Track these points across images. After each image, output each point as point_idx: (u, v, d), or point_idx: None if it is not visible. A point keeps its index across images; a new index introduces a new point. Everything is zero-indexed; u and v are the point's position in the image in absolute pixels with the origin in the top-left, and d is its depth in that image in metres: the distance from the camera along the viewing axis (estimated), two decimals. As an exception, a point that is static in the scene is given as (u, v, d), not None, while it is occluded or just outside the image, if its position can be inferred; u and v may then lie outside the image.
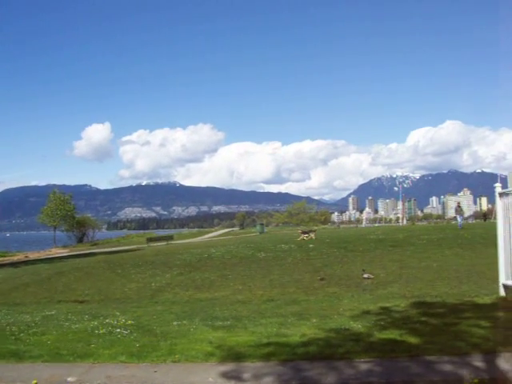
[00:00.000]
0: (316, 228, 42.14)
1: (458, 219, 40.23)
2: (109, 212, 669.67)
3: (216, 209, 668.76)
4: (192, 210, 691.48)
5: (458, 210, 42.18)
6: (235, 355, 6.92)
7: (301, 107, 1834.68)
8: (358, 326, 8.56)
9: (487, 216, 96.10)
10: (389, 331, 8.11)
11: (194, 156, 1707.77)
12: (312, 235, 34.94)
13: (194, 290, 16.31)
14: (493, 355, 6.58)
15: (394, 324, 8.71)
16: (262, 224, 77.24)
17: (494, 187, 12.15)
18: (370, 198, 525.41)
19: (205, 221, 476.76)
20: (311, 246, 28.27)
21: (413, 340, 7.47)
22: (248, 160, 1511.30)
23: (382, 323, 8.78)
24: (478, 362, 6.39)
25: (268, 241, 35.81)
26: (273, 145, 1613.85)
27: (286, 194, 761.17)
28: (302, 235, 35.34)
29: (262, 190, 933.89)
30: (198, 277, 19.30)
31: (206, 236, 77.94)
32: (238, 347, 7.36)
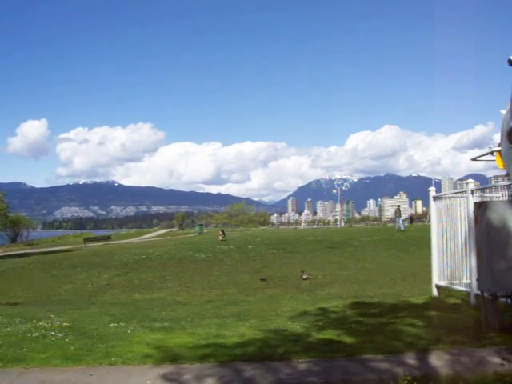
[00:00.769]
0: (224, 230, 43.73)
1: (398, 222, 41.21)
2: (44, 211, 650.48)
3: (155, 209, 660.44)
4: (131, 210, 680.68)
5: (398, 212, 43.21)
6: (173, 357, 6.84)
7: (242, 108, 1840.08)
8: (296, 327, 8.63)
9: (413, 219, 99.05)
10: (327, 331, 8.21)
11: (133, 155, 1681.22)
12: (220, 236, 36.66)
13: (131, 291, 16.08)
14: (425, 353, 6.78)
15: (332, 324, 8.83)
16: (201, 225, 76.70)
17: (429, 191, 12.52)
18: (309, 199, 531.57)
19: (143, 221, 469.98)
20: (250, 247, 28.33)
21: (350, 340, 7.60)
22: (188, 160, 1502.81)
23: (321, 324, 8.89)
24: (411, 359, 6.56)
25: (207, 242, 35.67)
26: (213, 145, 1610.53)
27: (226, 194, 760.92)
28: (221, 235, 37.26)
29: (201, 191, 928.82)
30: (136, 278, 19.04)
31: (145, 236, 76.93)
32: (176, 349, 7.28)
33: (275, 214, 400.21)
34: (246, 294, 14.27)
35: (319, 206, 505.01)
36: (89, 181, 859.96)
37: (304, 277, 16.43)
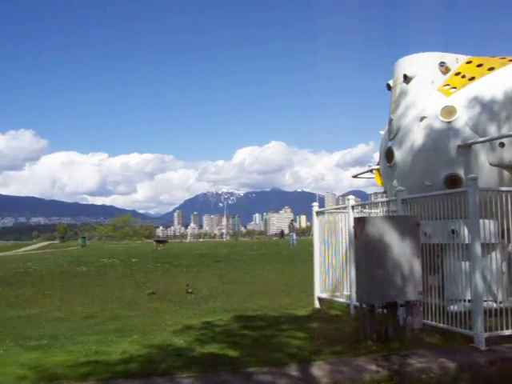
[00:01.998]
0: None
1: (292, 237, 42.03)
2: None
3: (35, 220, 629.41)
4: (8, 221, 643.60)
5: (291, 227, 44.15)
6: (50, 377, 6.51)
7: (129, 119, 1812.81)
8: (180, 342, 8.54)
9: (283, 234, 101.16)
10: (211, 345, 8.19)
11: (12, 163, 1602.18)
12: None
13: (6, 308, 15.13)
14: (307, 364, 6.95)
15: (216, 338, 8.82)
16: (84, 237, 74.01)
17: (312, 206, 12.92)
18: (195, 213, 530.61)
19: (22, 233, 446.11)
20: (135, 260, 27.79)
21: (234, 353, 7.62)
22: (72, 170, 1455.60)
23: (204, 338, 8.85)
24: (294, 371, 6.69)
25: (90, 255, 34.56)
26: (99, 156, 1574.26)
27: (111, 206, 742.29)
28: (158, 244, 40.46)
29: (85, 202, 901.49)
30: (11, 293, 17.97)
31: (24, 249, 73.18)
32: (53, 368, 6.94)
33: (161, 227, 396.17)
34: (129, 308, 13.90)
35: (205, 219, 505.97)
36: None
37: (189, 291, 16.31)
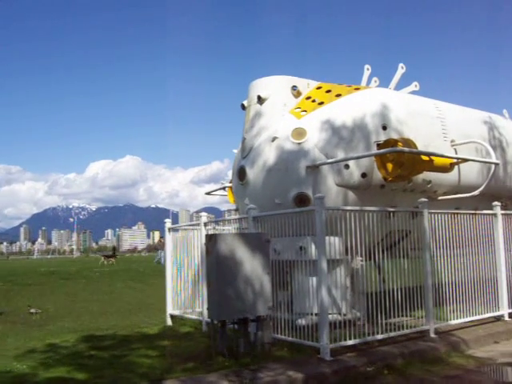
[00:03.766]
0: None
1: (159, 254, 41.52)
2: None
3: None
4: None
5: (161, 244, 43.79)
6: None
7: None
8: (22, 367, 8.02)
9: (116, 251, 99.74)
10: (56, 369, 7.82)
11: None
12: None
13: None
14: (159, 383, 6.87)
15: (63, 361, 8.43)
16: None
17: (165, 222, 12.87)
18: (43, 228, 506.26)
19: None
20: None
21: (82, 376, 7.36)
22: None
23: (50, 361, 8.42)
24: (143, 392, 6.57)
25: None
26: None
27: None
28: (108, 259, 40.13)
29: None
30: None
31: None
32: None
33: (5, 243, 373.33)
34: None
35: (55, 234, 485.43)
36: None
37: (32, 311, 15.42)
